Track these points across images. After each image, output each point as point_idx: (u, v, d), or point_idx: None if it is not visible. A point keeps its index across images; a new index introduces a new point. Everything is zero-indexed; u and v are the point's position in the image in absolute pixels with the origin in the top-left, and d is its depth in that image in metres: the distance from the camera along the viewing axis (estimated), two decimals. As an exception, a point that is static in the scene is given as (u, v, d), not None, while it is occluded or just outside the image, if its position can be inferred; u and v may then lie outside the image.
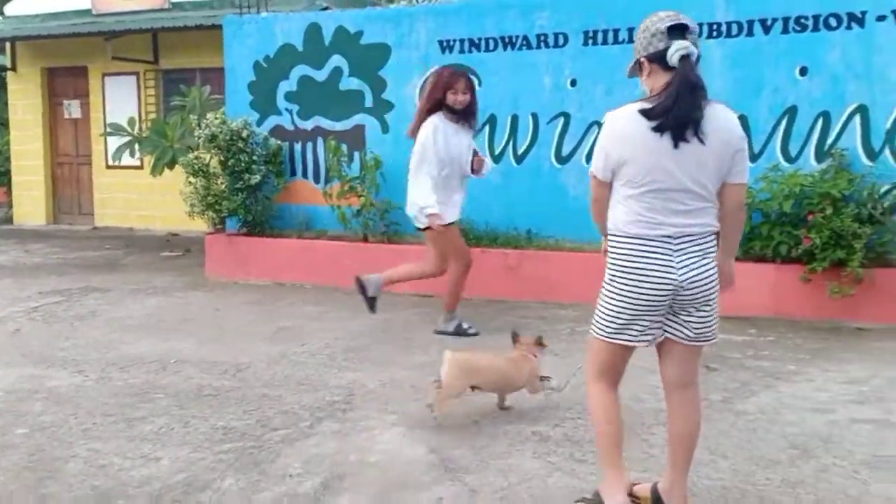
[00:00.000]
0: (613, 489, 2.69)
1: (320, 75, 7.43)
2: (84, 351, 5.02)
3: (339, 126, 7.37)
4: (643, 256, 2.50)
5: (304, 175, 7.59)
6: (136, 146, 8.67)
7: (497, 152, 6.81)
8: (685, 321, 2.56)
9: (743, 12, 5.90)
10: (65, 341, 5.28)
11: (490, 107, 6.76)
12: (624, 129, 2.51)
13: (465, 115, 5.11)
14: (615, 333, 2.60)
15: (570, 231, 6.34)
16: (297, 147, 7.60)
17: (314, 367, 4.64)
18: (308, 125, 7.53)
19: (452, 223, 5.23)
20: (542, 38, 6.57)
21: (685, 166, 2.45)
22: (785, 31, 5.81)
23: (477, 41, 6.82)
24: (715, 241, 2.55)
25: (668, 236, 2.48)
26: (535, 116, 6.65)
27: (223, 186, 7.45)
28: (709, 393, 4.06)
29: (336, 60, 7.35)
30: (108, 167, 11.73)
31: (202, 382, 4.37)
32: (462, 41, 6.86)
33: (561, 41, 6.50)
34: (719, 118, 2.46)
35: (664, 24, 2.47)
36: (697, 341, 2.60)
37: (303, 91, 7.51)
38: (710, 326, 2.59)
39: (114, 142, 10.08)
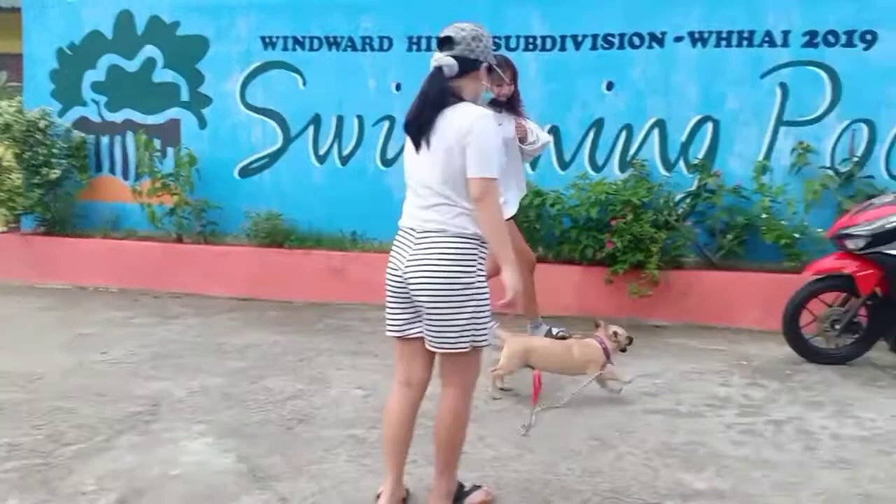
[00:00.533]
0: (380, 495, 2.81)
1: (132, 66, 7.00)
2: None
3: (151, 119, 6.97)
4: (394, 244, 2.73)
5: (112, 171, 7.12)
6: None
7: (321, 153, 6.73)
8: (424, 322, 2.66)
9: (556, 27, 6.20)
10: None
11: (315, 106, 6.67)
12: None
13: (508, 106, 4.75)
14: (386, 322, 2.78)
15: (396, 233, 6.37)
16: (105, 140, 7.10)
17: (116, 377, 4.33)
18: (117, 118, 7.06)
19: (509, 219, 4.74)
20: (367, 40, 6.57)
21: (427, 166, 2.62)
22: (594, 47, 6.16)
23: (301, 39, 6.70)
24: (463, 246, 2.57)
25: (412, 228, 2.65)
26: (360, 118, 6.62)
27: (18, 182, 6.80)
28: (521, 389, 4.21)
29: (149, 51, 6.95)
30: None
31: (-15, 396, 3.95)
32: (286, 38, 6.71)
33: (386, 45, 6.53)
34: (451, 118, 2.57)
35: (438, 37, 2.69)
36: (433, 346, 2.65)
37: (112, 81, 7.04)
38: (439, 334, 2.61)
39: None
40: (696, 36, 5.92)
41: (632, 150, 6.11)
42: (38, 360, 4.59)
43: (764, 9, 5.77)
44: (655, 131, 6.06)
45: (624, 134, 6.12)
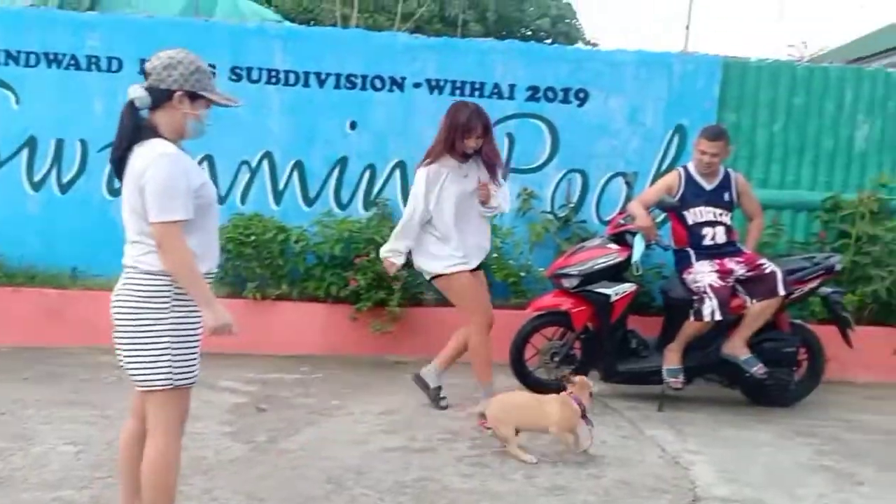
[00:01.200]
0: None
1: None
2: None
3: None
4: None
5: None
6: None
7: (37, 179, 6.07)
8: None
9: (300, 63, 6.18)
10: None
11: (30, 128, 6.02)
12: None
13: (477, 158, 4.45)
14: None
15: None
16: None
17: None
18: None
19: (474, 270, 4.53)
20: (94, 60, 6.07)
21: (124, 202, 2.61)
22: (337, 86, 6.22)
23: (15, 54, 6.02)
24: (151, 283, 2.54)
25: (123, 264, 2.64)
26: (84, 143, 6.08)
27: None
28: (256, 434, 4.07)
29: None
30: None
31: None
32: (-5, 51, 6.00)
33: (115, 66, 6.08)
34: (137, 155, 2.55)
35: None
36: (133, 382, 2.63)
37: None
38: (128, 369, 2.61)
39: None
40: (434, 83, 6.22)
41: (375, 189, 6.22)
42: None
43: (493, 64, 6.20)
44: (398, 172, 6.24)
45: (368, 173, 6.23)
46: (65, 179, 6.11)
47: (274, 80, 6.16)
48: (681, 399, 5.01)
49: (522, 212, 6.17)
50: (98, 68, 6.09)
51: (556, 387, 5.02)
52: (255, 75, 6.15)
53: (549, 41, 19.61)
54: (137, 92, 2.54)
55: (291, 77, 6.17)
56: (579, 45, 22.01)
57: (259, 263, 5.73)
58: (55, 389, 4.65)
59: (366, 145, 6.24)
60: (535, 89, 6.23)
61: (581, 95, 6.25)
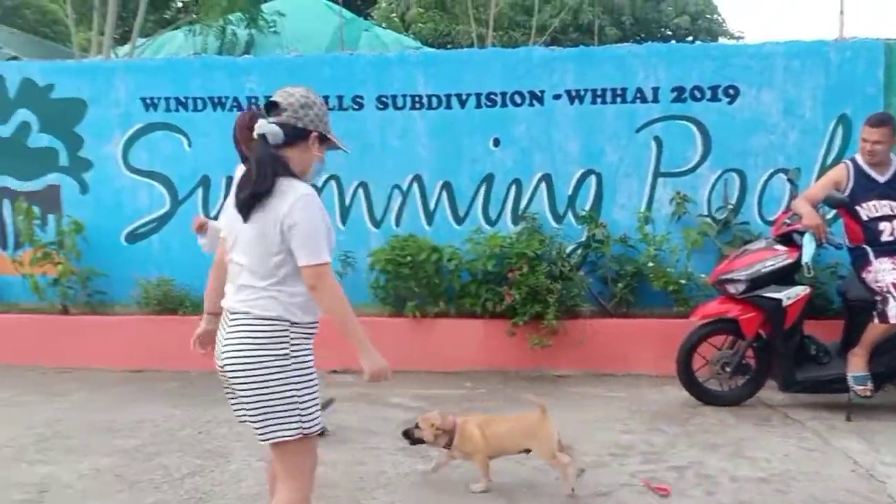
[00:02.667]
0: None
1: (4, 130, 6.63)
2: None
3: (28, 186, 6.59)
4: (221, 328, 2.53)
5: (-11, 242, 6.68)
6: None
7: (213, 215, 6.55)
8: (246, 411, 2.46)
9: (441, 86, 6.33)
10: None
11: (202, 168, 6.52)
12: (230, 200, 2.53)
13: None
14: None
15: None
16: (-22, 210, 6.66)
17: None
18: (-10, 185, 6.65)
19: None
20: (253, 100, 6.50)
21: (246, 242, 2.44)
22: (478, 105, 6.32)
23: (183, 100, 6.55)
24: (271, 330, 2.40)
25: (226, 310, 2.49)
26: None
27: None
28: (428, 450, 4.16)
29: (23, 114, 6.61)
30: None
31: None
32: (167, 99, 6.54)
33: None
34: (279, 195, 2.39)
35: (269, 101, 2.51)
36: (258, 436, 2.46)
37: (-17, 147, 6.64)
38: (255, 423, 2.42)
39: None
40: (573, 94, 6.19)
41: (522, 204, 6.26)
42: None
43: (633, 68, 6.10)
44: (543, 185, 6.26)
45: (514, 189, 6.27)
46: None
47: (418, 105, 6.35)
48: (869, 407, 4.70)
49: (677, 216, 6.02)
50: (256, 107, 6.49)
51: (730, 398, 4.88)
52: (399, 102, 6.36)
53: (690, 39, 19.00)
54: (270, 128, 2.42)
55: (434, 101, 6.34)
56: (723, 40, 21.20)
57: (416, 283, 5.92)
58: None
59: (510, 161, 6.30)
60: (680, 90, 6.08)
61: (731, 92, 6.03)
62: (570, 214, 6.23)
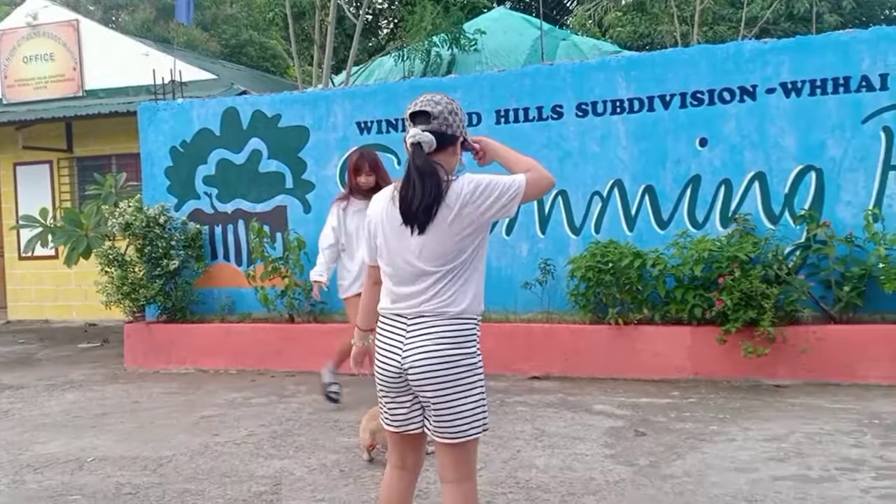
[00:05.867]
0: None
1: (239, 158, 7.44)
2: (-9, 455, 4.74)
3: (259, 207, 7.35)
4: (380, 333, 2.56)
5: (226, 258, 7.50)
6: (49, 236, 8.40)
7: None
8: (428, 413, 2.49)
9: (643, 89, 6.23)
10: (-30, 446, 4.97)
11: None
12: (378, 212, 2.59)
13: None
14: (382, 412, 2.61)
15: (495, 303, 6.48)
16: (218, 230, 7.52)
17: (239, 457, 4.49)
18: (228, 208, 7.48)
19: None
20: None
21: (427, 248, 2.45)
22: (683, 105, 6.14)
23: (394, 122, 6.97)
24: (462, 328, 2.44)
25: (403, 315, 2.49)
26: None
27: (141, 274, 7.27)
28: (637, 458, 4.12)
29: (254, 143, 7.38)
30: (21, 258, 11.28)
31: (121, 480, 4.17)
32: (379, 122, 7.00)
33: (475, 120, 6.70)
34: (455, 190, 2.44)
35: (409, 111, 2.52)
36: (438, 437, 2.48)
37: (221, 174, 7.49)
38: (447, 423, 2.44)
39: (26, 233, 9.73)
40: (789, 86, 5.83)
41: (733, 205, 5.98)
42: (165, 443, 4.81)
43: (857, 55, 5.64)
44: (756, 185, 5.94)
45: (723, 189, 6.01)
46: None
47: (619, 109, 6.29)
48: None
49: (914, 213, 5.45)
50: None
51: None
52: (599, 108, 6.33)
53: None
54: (424, 136, 2.45)
55: (636, 104, 6.24)
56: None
57: (618, 289, 5.83)
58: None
59: (718, 161, 6.04)
60: (913, 75, 5.51)
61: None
62: (786, 215, 5.85)
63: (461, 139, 2.54)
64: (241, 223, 7.42)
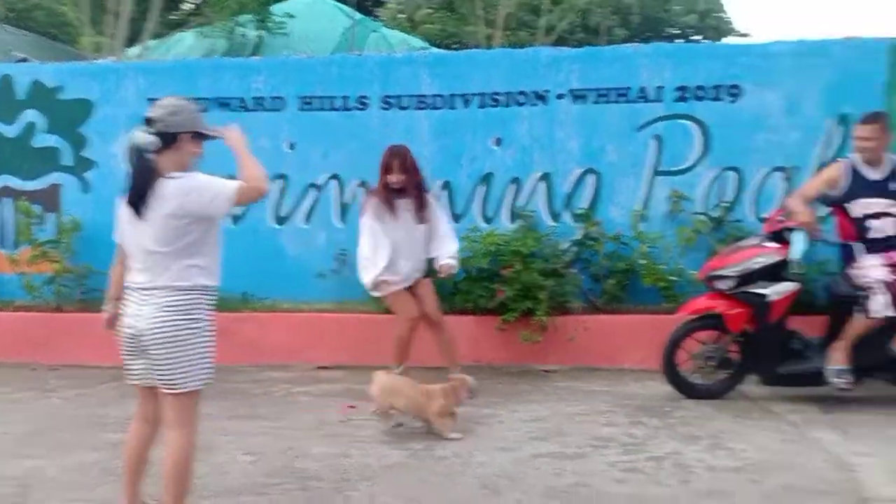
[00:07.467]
0: None
1: (11, 131, 6.77)
2: None
3: (30, 185, 6.71)
4: (124, 303, 3.03)
5: (-13, 240, 6.79)
6: None
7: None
8: (155, 367, 2.93)
9: (446, 86, 6.36)
10: None
11: (208, 168, 6.56)
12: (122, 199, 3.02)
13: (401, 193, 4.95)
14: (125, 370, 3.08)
15: (289, 292, 6.37)
16: (-20, 209, 6.79)
17: (-15, 456, 4.08)
18: (-6, 184, 6.78)
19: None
20: (259, 100, 6.56)
21: (151, 232, 2.89)
22: (482, 105, 6.35)
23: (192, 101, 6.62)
24: (181, 296, 2.89)
25: (138, 289, 2.94)
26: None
27: None
28: (412, 443, 4.21)
29: (30, 115, 6.75)
30: None
31: None
32: (180, 100, 6.62)
33: (279, 105, 6.53)
34: (174, 186, 2.87)
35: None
36: (164, 387, 2.93)
37: (-11, 148, 6.78)
38: (170, 376, 2.90)
39: None
40: (577, 93, 6.21)
41: (520, 202, 6.27)
42: None
43: (638, 68, 6.10)
44: (542, 184, 6.26)
45: (513, 187, 6.28)
46: (237, 210, 6.61)
47: (422, 105, 6.38)
48: (848, 400, 4.70)
49: (673, 214, 6.01)
50: (263, 108, 6.54)
51: (712, 391, 4.88)
52: (404, 102, 6.40)
53: (698, 38, 18.88)
54: (146, 138, 2.89)
55: (438, 101, 6.36)
56: (730, 38, 21.08)
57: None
58: (229, 404, 5.01)
59: (510, 160, 6.31)
60: (683, 89, 6.08)
61: (734, 91, 6.02)
62: (566, 213, 6.23)
63: (189, 134, 2.94)
64: (8, 202, 6.75)
